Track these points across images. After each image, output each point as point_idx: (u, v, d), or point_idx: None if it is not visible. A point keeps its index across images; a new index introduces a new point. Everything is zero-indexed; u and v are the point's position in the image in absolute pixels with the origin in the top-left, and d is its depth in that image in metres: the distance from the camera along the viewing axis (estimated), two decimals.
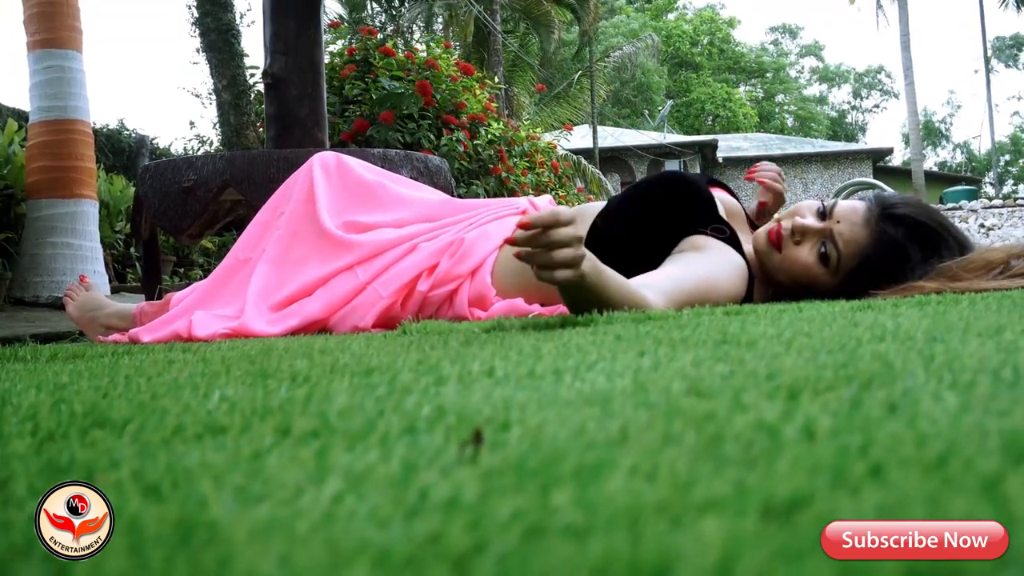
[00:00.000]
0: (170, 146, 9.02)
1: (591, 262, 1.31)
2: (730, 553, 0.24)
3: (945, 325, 0.91)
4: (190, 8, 8.13)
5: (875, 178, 22.96)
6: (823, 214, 1.72)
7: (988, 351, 0.66)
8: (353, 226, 2.02)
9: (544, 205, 2.20)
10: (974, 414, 0.43)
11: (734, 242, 1.73)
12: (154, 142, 8.65)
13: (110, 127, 8.06)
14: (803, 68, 49.83)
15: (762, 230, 1.77)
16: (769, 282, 1.81)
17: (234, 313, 1.97)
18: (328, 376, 0.77)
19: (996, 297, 1.34)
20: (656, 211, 1.78)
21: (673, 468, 0.35)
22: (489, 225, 2.02)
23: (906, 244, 1.65)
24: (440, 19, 17.40)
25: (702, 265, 1.66)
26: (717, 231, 1.73)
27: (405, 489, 0.35)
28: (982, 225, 13.04)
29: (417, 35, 16.70)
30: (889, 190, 6.66)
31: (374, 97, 5.68)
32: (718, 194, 1.89)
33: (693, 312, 1.40)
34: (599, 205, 1.91)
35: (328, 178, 2.08)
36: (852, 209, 1.71)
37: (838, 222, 1.69)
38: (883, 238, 1.66)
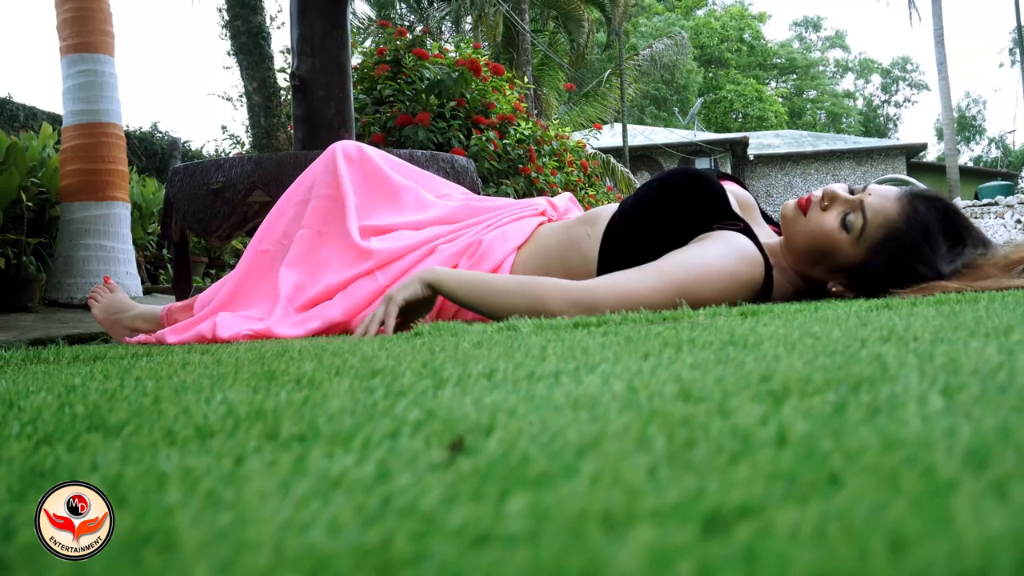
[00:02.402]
0: (202, 148, 9.13)
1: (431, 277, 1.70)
2: (654, 565, 0.24)
3: (955, 325, 0.90)
4: (221, 11, 8.22)
5: (909, 174, 22.70)
6: (853, 192, 1.72)
7: (989, 353, 0.65)
8: (373, 230, 2.03)
9: (563, 205, 2.20)
10: (952, 419, 0.42)
11: (748, 234, 1.72)
12: (186, 144, 8.75)
13: (143, 130, 8.17)
14: (829, 61, 49.36)
15: (791, 200, 1.78)
16: (792, 255, 1.77)
17: (260, 314, 1.99)
18: (331, 379, 0.78)
19: (1017, 296, 1.32)
20: (669, 209, 1.77)
21: (634, 475, 0.35)
22: (508, 226, 2.02)
23: (934, 225, 1.65)
24: (469, 19, 17.43)
25: (697, 251, 1.66)
26: (731, 225, 1.73)
27: (371, 495, 0.35)
28: (1019, 220, 12.83)
29: (447, 35, 16.75)
30: (921, 185, 6.59)
31: (407, 94, 5.70)
32: (730, 187, 1.88)
33: (709, 312, 1.40)
34: (612, 207, 1.91)
35: (352, 171, 2.09)
36: (885, 188, 1.73)
37: (870, 195, 1.69)
38: (914, 214, 1.65)
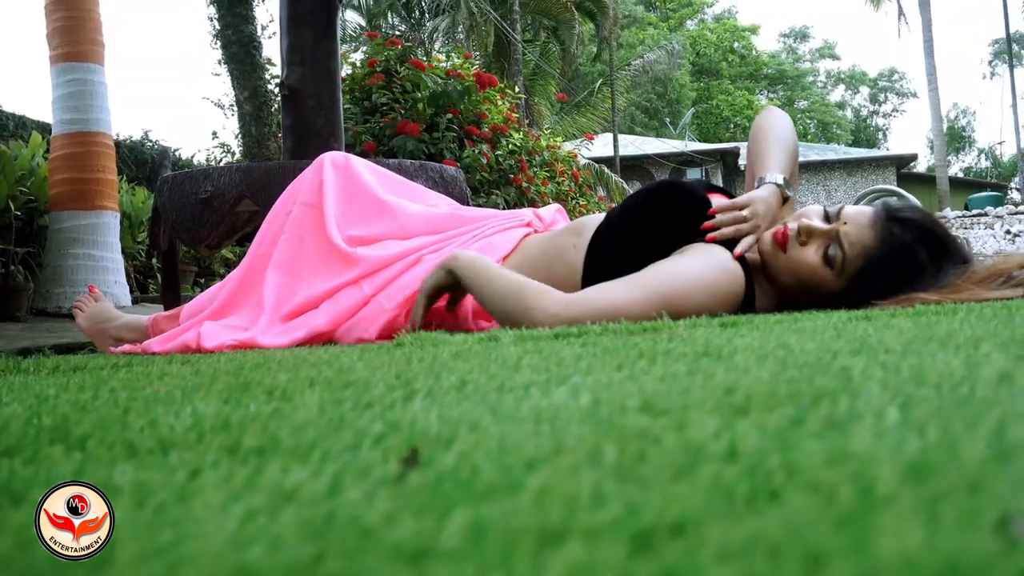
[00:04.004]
0: (193, 157, 9.11)
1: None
2: None
3: (928, 337, 0.90)
4: (212, 20, 8.21)
5: (900, 185, 22.79)
6: (828, 218, 1.72)
7: (955, 365, 0.66)
8: (359, 239, 2.03)
9: (549, 216, 2.20)
10: (904, 433, 0.42)
11: (731, 246, 1.72)
12: (177, 153, 8.74)
13: (133, 139, 8.15)
14: (819, 71, 49.61)
15: (767, 232, 1.76)
16: (776, 287, 1.80)
17: (245, 323, 1.99)
18: (304, 390, 0.78)
19: (994, 307, 1.33)
20: (655, 220, 1.78)
21: (577, 490, 0.35)
22: (494, 236, 2.03)
23: (914, 246, 1.65)
24: (461, 29, 17.47)
25: (680, 264, 1.67)
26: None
27: (318, 510, 0.35)
28: (1008, 231, 12.89)
29: (438, 45, 16.78)
30: (910, 196, 6.59)
31: (402, 103, 5.70)
32: (716, 200, 1.88)
33: (689, 323, 1.40)
34: (599, 218, 1.92)
35: (337, 182, 2.09)
36: (859, 212, 1.71)
37: (845, 224, 1.69)
38: (889, 239, 1.65)
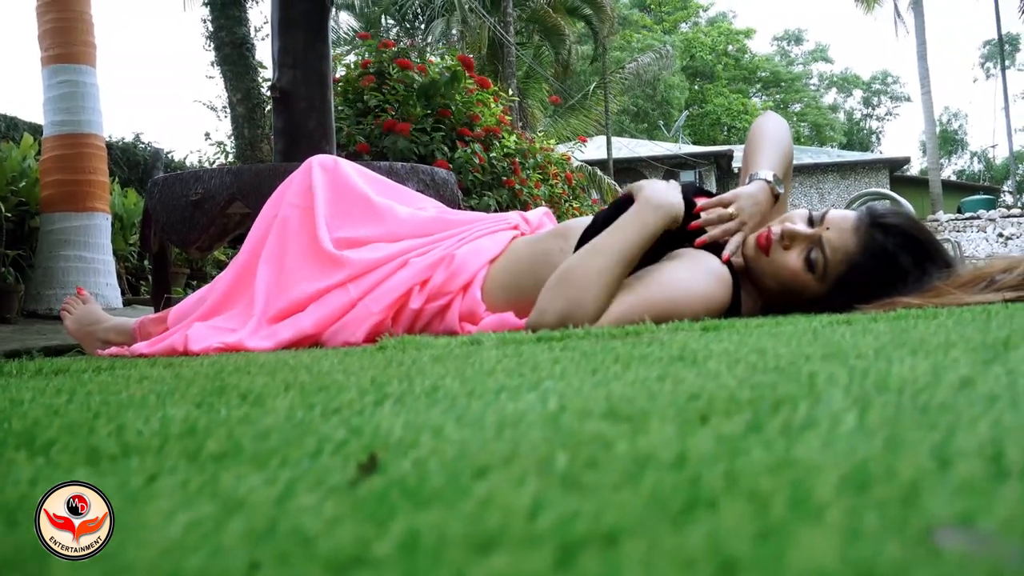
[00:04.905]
0: (185, 159, 9.09)
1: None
2: None
3: (902, 342, 0.91)
4: (205, 22, 8.21)
5: (892, 188, 22.84)
6: (812, 222, 1.72)
7: (921, 371, 0.66)
8: (347, 242, 2.03)
9: (536, 219, 2.21)
10: (855, 440, 0.43)
11: (719, 251, 1.73)
12: (169, 155, 8.72)
13: (125, 140, 8.14)
14: (812, 73, 49.75)
15: (752, 235, 1.77)
16: (759, 291, 1.81)
17: (234, 325, 1.99)
18: (277, 395, 0.78)
19: (975, 311, 1.34)
20: None
21: (519, 498, 0.35)
22: (481, 240, 2.03)
23: (896, 252, 1.65)
24: (455, 31, 17.48)
25: (669, 270, 1.67)
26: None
27: (264, 517, 0.36)
28: (1000, 234, 12.93)
29: (433, 47, 16.77)
30: (903, 200, 6.61)
31: (393, 103, 5.70)
32: (701, 202, 1.89)
33: (672, 327, 1.41)
34: (586, 220, 1.92)
35: (325, 184, 2.09)
36: (842, 217, 1.72)
37: (828, 229, 1.70)
38: (872, 245, 1.66)
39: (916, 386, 0.60)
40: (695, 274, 1.67)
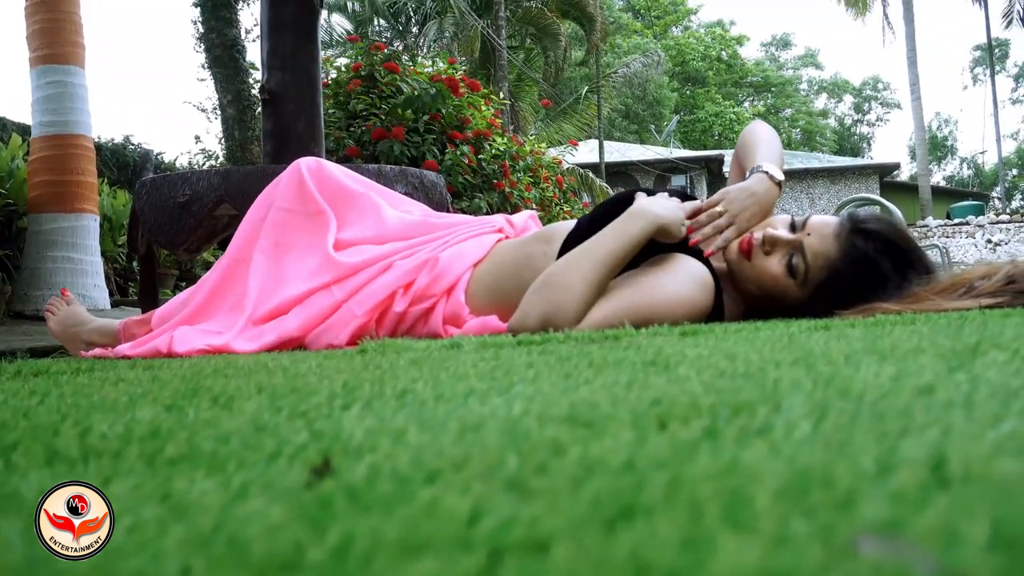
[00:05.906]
0: (175, 160, 9.07)
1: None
2: None
3: (873, 348, 0.91)
4: (195, 24, 8.20)
5: (882, 193, 22.93)
6: (794, 227, 1.73)
7: (885, 377, 0.66)
8: (337, 243, 2.04)
9: (521, 223, 2.21)
10: (802, 447, 0.43)
11: (701, 257, 1.73)
12: (159, 157, 8.70)
13: (115, 142, 8.12)
14: (802, 78, 49.93)
15: (735, 241, 1.77)
16: (742, 295, 1.82)
17: (219, 328, 1.99)
18: (249, 397, 0.78)
19: (952, 317, 1.34)
20: None
21: (461, 503, 0.36)
22: (465, 243, 2.03)
23: (877, 258, 1.66)
24: (447, 34, 17.49)
25: (652, 275, 1.67)
26: (684, 246, 1.74)
27: (208, 522, 0.36)
28: (989, 240, 12.98)
29: (425, 50, 16.78)
30: (891, 206, 6.63)
31: (381, 108, 5.70)
32: (689, 206, 1.89)
33: (651, 331, 1.41)
34: (570, 224, 1.92)
35: (314, 186, 2.09)
36: (824, 223, 1.72)
37: (809, 235, 1.70)
38: (852, 251, 1.67)
39: (878, 392, 0.60)
40: (677, 279, 1.67)
